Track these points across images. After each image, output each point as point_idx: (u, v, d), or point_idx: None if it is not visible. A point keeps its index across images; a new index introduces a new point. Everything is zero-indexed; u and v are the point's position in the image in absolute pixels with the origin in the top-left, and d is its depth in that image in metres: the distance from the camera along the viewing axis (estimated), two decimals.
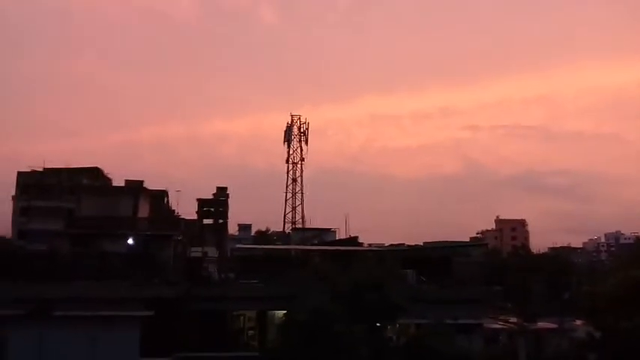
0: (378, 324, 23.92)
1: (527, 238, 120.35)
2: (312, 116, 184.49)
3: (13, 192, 75.87)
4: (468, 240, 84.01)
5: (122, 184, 57.55)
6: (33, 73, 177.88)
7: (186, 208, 78.02)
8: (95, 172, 74.64)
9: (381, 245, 57.37)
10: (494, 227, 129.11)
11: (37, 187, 75.26)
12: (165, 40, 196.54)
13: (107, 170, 76.28)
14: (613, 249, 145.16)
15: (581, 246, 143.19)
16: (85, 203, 43.18)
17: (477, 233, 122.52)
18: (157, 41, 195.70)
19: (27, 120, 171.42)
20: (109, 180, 73.12)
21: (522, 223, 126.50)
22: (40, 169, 77.43)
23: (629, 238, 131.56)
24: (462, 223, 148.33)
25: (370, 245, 50.64)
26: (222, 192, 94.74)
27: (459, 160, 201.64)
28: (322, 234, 63.69)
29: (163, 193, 66.94)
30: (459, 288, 29.46)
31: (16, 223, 74.94)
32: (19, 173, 76.28)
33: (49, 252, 35.83)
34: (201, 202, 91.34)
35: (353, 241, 44.08)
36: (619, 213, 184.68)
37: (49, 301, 24.70)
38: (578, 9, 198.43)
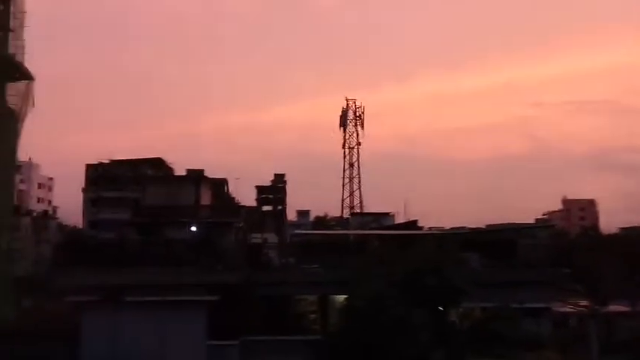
0: (439, 308, 23.57)
1: (596, 219, 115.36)
2: (370, 99, 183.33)
3: (82, 184, 79.75)
4: (533, 222, 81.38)
5: (184, 173, 59.24)
6: (96, 67, 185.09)
7: (245, 196, 79.56)
8: (158, 163, 77.30)
9: (442, 229, 56.43)
10: (561, 208, 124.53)
11: (105, 178, 78.80)
12: (223, 28, 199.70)
13: (169, 160, 78.91)
14: None
15: None
16: (150, 193, 44.61)
17: (544, 214, 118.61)
18: (215, 30, 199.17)
19: (92, 114, 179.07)
20: (171, 169, 75.51)
21: (592, 203, 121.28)
22: (107, 162, 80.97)
23: None
24: (528, 204, 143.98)
25: (431, 229, 49.89)
26: (279, 179, 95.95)
27: (524, 139, 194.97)
28: (381, 218, 63.33)
29: (223, 181, 68.38)
30: (525, 271, 28.54)
31: (87, 213, 78.92)
32: (88, 166, 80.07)
33: (117, 240, 37.39)
34: (260, 189, 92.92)
35: (413, 224, 43.53)
36: None
37: (120, 288, 25.78)
38: None
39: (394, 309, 21.04)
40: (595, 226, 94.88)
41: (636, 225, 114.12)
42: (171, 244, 31.07)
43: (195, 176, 50.57)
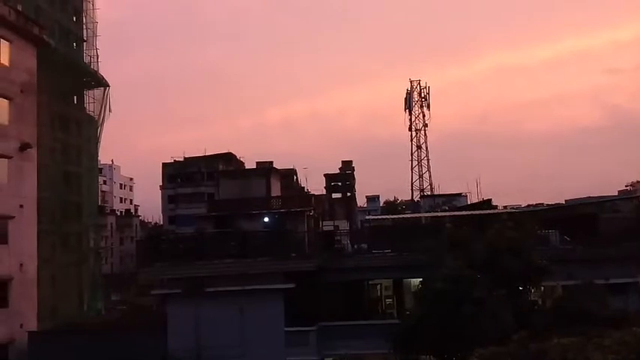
0: (519, 288, 22.94)
1: None
2: (434, 79, 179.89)
3: (160, 182, 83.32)
4: (615, 194, 77.25)
5: (253, 166, 60.65)
6: (166, 68, 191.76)
7: (314, 184, 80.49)
8: (229, 157, 79.60)
9: (518, 207, 54.70)
10: None
11: (181, 175, 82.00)
12: (282, 20, 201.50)
13: (239, 154, 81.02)
14: None
15: None
16: (223, 187, 46.05)
17: (626, 186, 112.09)
18: (275, 23, 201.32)
19: (164, 113, 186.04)
20: (242, 163, 77.55)
21: None
22: (181, 159, 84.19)
23: None
24: (609, 176, 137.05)
25: (505, 207, 48.47)
26: (347, 166, 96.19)
27: (599, 109, 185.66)
28: (452, 199, 62.18)
29: (292, 172, 69.44)
30: (609, 246, 27.22)
31: (165, 210, 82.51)
32: (164, 165, 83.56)
33: (196, 234, 38.88)
34: (329, 177, 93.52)
35: (486, 204, 42.43)
36: None
37: (201, 279, 26.82)
38: None
39: (472, 290, 20.67)
40: None
41: None
42: (246, 235, 31.91)
43: (265, 168, 51.65)
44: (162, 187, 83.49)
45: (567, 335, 12.79)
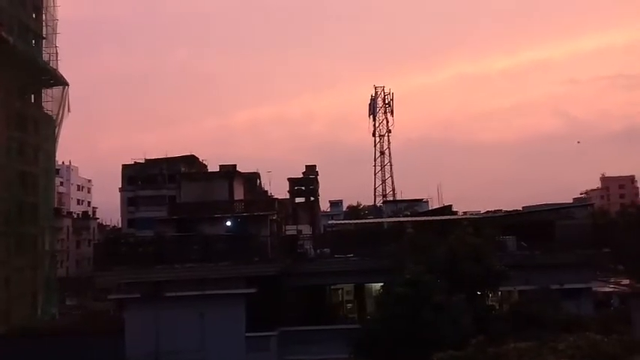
0: (478, 293, 23.37)
1: (637, 195, 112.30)
2: (399, 86, 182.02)
3: (119, 184, 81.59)
4: (571, 201, 79.66)
5: (217, 168, 59.99)
6: (128, 68, 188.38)
7: (278, 188, 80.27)
8: (191, 160, 78.53)
9: (477, 213, 55.70)
10: (599, 186, 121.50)
11: (141, 178, 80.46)
12: (252, 22, 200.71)
13: (202, 157, 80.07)
14: None
15: None
16: (184, 190, 45.35)
17: (581, 193, 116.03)
18: (244, 25, 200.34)
19: (127, 114, 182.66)
20: (205, 166, 76.64)
21: (631, 180, 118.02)
22: (142, 161, 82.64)
23: None
24: (565, 184, 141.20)
25: (465, 213, 49.32)
26: (311, 170, 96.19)
27: (558, 118, 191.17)
28: (414, 205, 62.91)
29: (256, 175, 68.97)
30: (564, 252, 28.03)
31: (124, 212, 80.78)
32: (124, 166, 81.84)
33: (156, 238, 38.16)
34: (292, 182, 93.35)
35: (447, 209, 43.09)
36: None
37: (160, 284, 26.37)
38: None
39: (432, 295, 20.94)
40: (635, 204, 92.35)
41: None
42: (207, 239, 31.54)
43: (228, 171, 51.15)
44: (121, 190, 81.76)
45: (523, 339, 13.12)
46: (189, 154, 79.68)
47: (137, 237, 47.82)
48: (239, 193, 45.16)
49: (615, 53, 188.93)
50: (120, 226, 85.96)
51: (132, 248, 31.17)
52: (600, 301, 32.31)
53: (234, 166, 56.02)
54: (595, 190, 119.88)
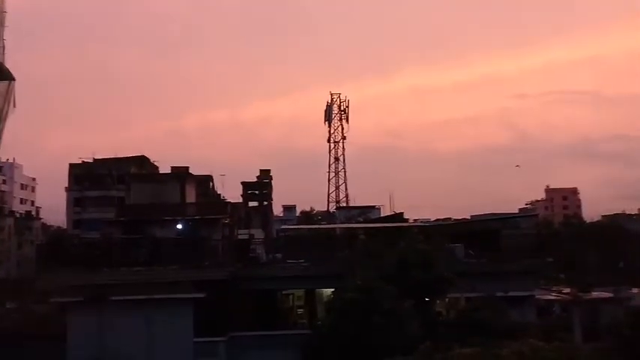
0: (426, 299, 23.77)
1: (579, 207, 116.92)
2: (354, 93, 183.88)
3: (66, 184, 78.98)
4: (517, 211, 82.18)
5: (168, 171, 58.82)
6: (80, 66, 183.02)
7: (231, 192, 79.55)
8: (142, 161, 76.80)
9: (427, 220, 56.77)
10: (544, 197, 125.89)
11: (89, 178, 78.12)
12: (205, 24, 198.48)
13: (153, 158, 78.45)
14: None
15: (636, 212, 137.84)
16: (134, 191, 44.24)
17: (527, 204, 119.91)
18: (197, 27, 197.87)
19: (76, 113, 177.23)
20: (156, 167, 75.05)
21: (574, 192, 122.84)
22: (90, 161, 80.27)
23: None
24: (511, 194, 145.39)
25: (416, 221, 50.15)
26: (265, 174, 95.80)
27: (506, 131, 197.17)
28: (367, 211, 63.52)
29: (208, 178, 68.08)
30: (509, 260, 28.88)
31: (70, 213, 78.21)
32: (71, 165, 79.30)
33: (102, 240, 37.05)
34: (246, 185, 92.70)
35: (398, 217, 43.73)
36: None
37: (106, 287, 25.61)
38: None
39: (382, 301, 21.17)
40: (578, 215, 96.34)
41: (618, 212, 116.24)
42: (157, 242, 30.88)
43: (180, 173, 50.26)
44: (67, 189, 79.14)
45: (469, 346, 13.44)
46: (139, 154, 77.93)
47: (82, 238, 46.39)
48: (191, 196, 44.43)
49: (562, 69, 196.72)
50: (65, 227, 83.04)
51: (77, 250, 30.21)
52: (542, 308, 33.37)
53: (187, 168, 55.13)
54: (540, 201, 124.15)
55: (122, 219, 39.97)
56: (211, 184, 72.53)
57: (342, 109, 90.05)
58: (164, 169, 66.24)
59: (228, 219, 43.64)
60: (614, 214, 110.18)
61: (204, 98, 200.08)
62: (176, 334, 25.61)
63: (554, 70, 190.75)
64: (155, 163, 77.23)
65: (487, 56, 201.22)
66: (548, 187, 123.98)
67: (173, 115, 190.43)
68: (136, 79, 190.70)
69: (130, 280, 26.01)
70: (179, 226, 38.32)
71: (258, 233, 48.37)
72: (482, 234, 33.42)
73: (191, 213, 40.88)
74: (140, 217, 37.96)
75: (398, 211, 48.55)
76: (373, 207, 65.74)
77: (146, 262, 27.39)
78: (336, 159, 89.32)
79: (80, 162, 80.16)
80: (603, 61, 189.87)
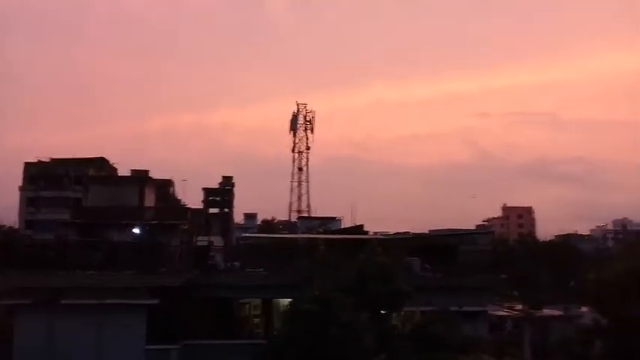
0: (382, 312, 23.96)
1: (534, 226, 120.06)
2: (320, 104, 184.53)
3: (20, 183, 76.54)
4: (474, 228, 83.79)
5: (128, 173, 57.75)
6: (38, 63, 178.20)
7: (192, 198, 78.44)
8: (101, 163, 75.11)
9: (387, 233, 57.24)
10: (501, 215, 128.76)
11: (45, 177, 75.90)
12: (174, 27, 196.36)
13: (114, 160, 76.81)
14: (620, 236, 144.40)
15: (588, 233, 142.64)
16: (92, 193, 43.24)
17: (484, 221, 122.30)
18: (165, 29, 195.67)
19: (33, 112, 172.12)
20: (115, 170, 73.49)
21: (529, 211, 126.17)
22: (47, 160, 78.03)
23: (637, 226, 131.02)
24: (470, 211, 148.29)
25: (376, 233, 50.54)
26: (228, 181, 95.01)
27: (468, 148, 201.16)
28: (328, 222, 63.74)
29: (169, 183, 67.13)
30: (465, 275, 29.43)
31: (23, 213, 75.74)
32: (27, 164, 76.95)
33: (56, 241, 36.01)
34: (207, 192, 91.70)
35: (358, 229, 44.01)
36: (628, 200, 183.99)
37: (57, 290, 24.88)
38: None
39: (339, 313, 21.23)
40: (532, 234, 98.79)
41: (571, 233, 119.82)
42: (113, 246, 30.23)
43: (140, 177, 49.42)
44: (21, 188, 76.70)
45: (422, 359, 13.62)
46: (99, 156, 76.24)
47: (35, 239, 45.00)
48: (150, 200, 43.71)
49: (524, 91, 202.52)
50: (17, 227, 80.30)
51: (30, 251, 29.32)
52: (495, 324, 34.04)
53: (147, 171, 54.25)
54: (496, 218, 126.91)
55: (78, 221, 39.01)
56: (172, 189, 71.52)
57: (307, 119, 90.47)
58: (124, 171, 64.92)
59: (187, 225, 43.07)
60: (567, 234, 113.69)
61: (169, 101, 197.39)
62: (128, 341, 25.05)
63: (515, 91, 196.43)
64: (115, 166, 75.67)
65: (453, 75, 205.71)
66: (505, 205, 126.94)
67: (137, 116, 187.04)
68: (101, 78, 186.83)
69: (83, 283, 25.35)
70: (136, 231, 37.63)
71: (218, 240, 47.89)
72: (440, 249, 33.98)
73: (149, 217, 40.18)
74: (97, 219, 37.12)
75: (359, 224, 48.92)
76: (334, 218, 66.05)
77: (101, 266, 26.77)
78: (300, 169, 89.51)
79: (37, 161, 77.91)
80: (562, 86, 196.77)
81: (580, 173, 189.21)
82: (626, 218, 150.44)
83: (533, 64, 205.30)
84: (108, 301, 25.01)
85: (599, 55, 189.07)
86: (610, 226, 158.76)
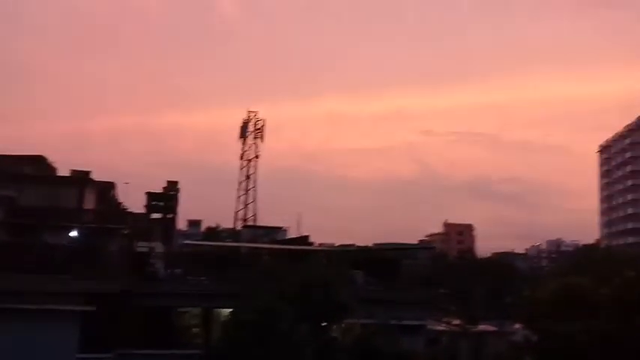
0: (324, 324, 24.02)
1: (473, 243, 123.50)
2: (270, 113, 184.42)
3: None
4: (416, 243, 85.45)
5: (67, 173, 55.77)
6: None
7: (134, 202, 76.26)
8: (39, 161, 71.98)
9: (332, 245, 57.63)
10: (442, 231, 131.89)
11: None
12: (121, 26, 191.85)
13: (53, 159, 73.72)
14: (554, 256, 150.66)
15: (524, 252, 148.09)
16: (28, 192, 41.47)
17: (426, 236, 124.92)
18: (113, 27, 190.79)
19: None
20: (54, 169, 70.66)
21: (469, 228, 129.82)
22: None
23: (570, 246, 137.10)
24: (413, 226, 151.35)
25: (321, 245, 50.79)
26: (172, 186, 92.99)
27: (413, 164, 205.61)
28: (273, 232, 63.45)
29: (110, 185, 65.19)
30: (405, 289, 29.94)
31: None
32: None
33: None
34: (151, 196, 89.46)
35: (304, 240, 44.09)
36: (561, 221, 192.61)
37: None
38: (531, 21, 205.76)
39: (280, 323, 21.15)
40: (471, 250, 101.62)
41: (508, 251, 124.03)
42: (48, 248, 29.06)
43: (80, 178, 47.87)
44: None
45: None
46: (37, 154, 73.17)
47: None
48: (90, 203, 42.39)
49: (466, 112, 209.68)
50: None
51: None
52: (432, 339, 34.70)
53: (88, 172, 52.61)
54: (437, 234, 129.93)
55: (11, 221, 37.37)
56: (113, 191, 69.38)
57: (257, 127, 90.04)
58: (63, 171, 62.63)
59: (127, 230, 41.95)
60: (504, 252, 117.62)
61: (113, 102, 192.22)
62: (59, 349, 24.04)
63: (458, 111, 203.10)
64: (54, 165, 72.78)
65: (400, 92, 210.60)
66: (446, 221, 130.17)
67: (79, 115, 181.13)
68: (42, 73, 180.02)
69: (13, 287, 24.18)
70: (74, 234, 36.39)
71: (160, 247, 46.80)
72: (383, 262, 34.49)
73: (88, 220, 38.95)
74: (31, 220, 35.70)
75: (304, 234, 49.04)
76: (280, 228, 65.79)
77: (34, 269, 25.64)
78: (248, 177, 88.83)
79: None
80: (503, 108, 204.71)
81: (517, 193, 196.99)
82: (559, 238, 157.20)
83: (477, 87, 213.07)
84: (40, 307, 23.96)
85: (539, 80, 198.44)
86: (544, 246, 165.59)
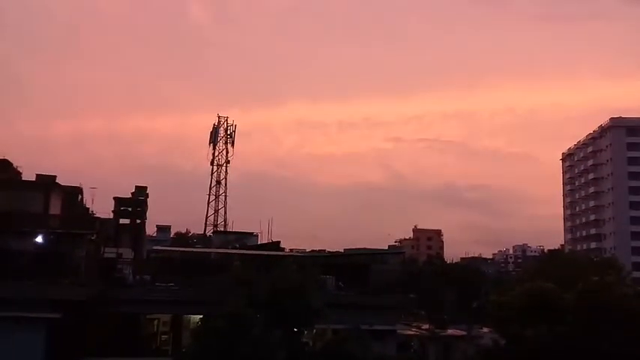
0: (295, 329, 24.01)
1: (442, 248, 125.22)
2: (240, 119, 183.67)
3: None
4: (386, 248, 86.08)
5: (33, 178, 54.53)
6: None
7: (102, 207, 75.00)
8: (4, 165, 70.08)
9: (303, 251, 57.60)
10: (411, 236, 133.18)
11: None
12: (88, 28, 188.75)
13: (18, 163, 71.89)
14: (520, 261, 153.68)
15: (491, 257, 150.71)
16: None
17: (395, 242, 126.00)
18: (79, 29, 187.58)
19: None
20: (19, 173, 68.94)
21: (438, 234, 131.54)
22: None
23: (535, 251, 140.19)
24: (382, 231, 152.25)
25: (292, 250, 50.72)
26: (141, 191, 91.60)
27: (381, 170, 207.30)
28: (244, 238, 63.07)
29: (77, 190, 63.98)
30: (376, 295, 30.13)
31: None
32: None
33: None
34: (118, 201, 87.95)
35: (275, 245, 43.98)
36: (527, 227, 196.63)
37: None
38: (497, 32, 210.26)
39: (252, 329, 21.05)
40: (440, 255, 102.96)
41: (475, 256, 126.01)
42: (11, 254, 28.33)
43: (46, 182, 46.75)
44: None
45: None
46: (1, 158, 71.26)
47: None
48: (56, 208, 41.45)
49: (435, 120, 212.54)
50: None
51: None
52: (402, 343, 35.02)
53: (54, 177, 51.50)
54: (407, 239, 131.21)
55: None
56: (80, 196, 68.05)
57: (228, 132, 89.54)
58: (28, 176, 61.18)
59: (95, 235, 41.17)
60: (472, 257, 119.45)
61: (78, 105, 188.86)
62: (25, 357, 23.47)
63: (427, 119, 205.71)
64: (18, 169, 71.03)
65: (369, 99, 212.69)
66: (416, 227, 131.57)
67: (43, 119, 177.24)
68: (4, 76, 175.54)
69: None
70: (39, 239, 35.53)
71: (128, 253, 46.08)
72: (353, 267, 34.64)
73: (54, 226, 38.07)
74: None
75: (275, 240, 48.90)
76: (251, 234, 65.40)
77: None
78: (218, 182, 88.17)
79: None
80: (470, 117, 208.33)
81: (485, 200, 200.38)
82: (525, 244, 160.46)
83: (445, 95, 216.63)
84: (4, 314, 23.36)
85: (505, 90, 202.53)
86: (511, 251, 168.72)
